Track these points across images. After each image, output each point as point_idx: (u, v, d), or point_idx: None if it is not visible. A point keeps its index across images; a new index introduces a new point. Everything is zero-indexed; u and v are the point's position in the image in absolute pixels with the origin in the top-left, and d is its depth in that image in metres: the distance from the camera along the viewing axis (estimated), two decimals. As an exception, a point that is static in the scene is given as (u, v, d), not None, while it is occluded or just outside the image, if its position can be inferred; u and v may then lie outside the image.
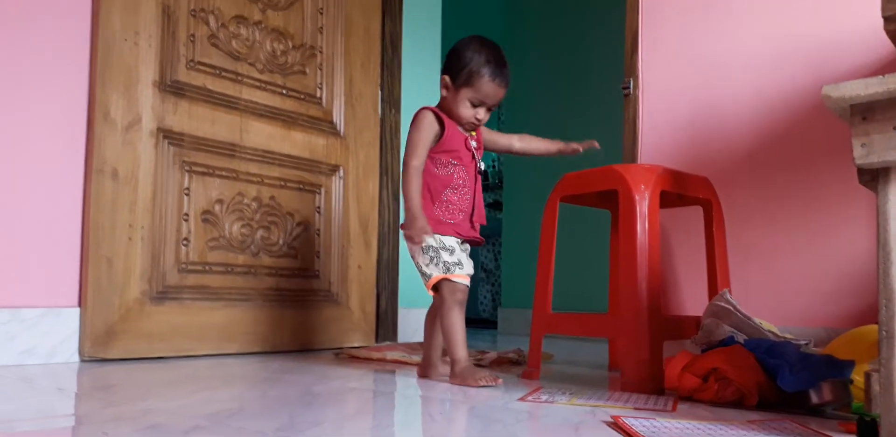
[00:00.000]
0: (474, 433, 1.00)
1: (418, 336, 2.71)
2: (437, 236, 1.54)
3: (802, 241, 1.83)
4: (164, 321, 1.94)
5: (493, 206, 5.40)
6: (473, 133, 1.63)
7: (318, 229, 2.40)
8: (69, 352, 1.77)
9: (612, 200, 1.77)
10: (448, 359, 1.56)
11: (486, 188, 5.49)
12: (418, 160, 1.53)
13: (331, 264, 2.43)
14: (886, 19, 1.02)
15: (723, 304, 1.46)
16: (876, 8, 1.73)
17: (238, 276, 2.15)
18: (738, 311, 1.44)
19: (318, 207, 2.41)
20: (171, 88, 1.99)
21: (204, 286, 2.05)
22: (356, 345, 2.43)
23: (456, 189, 1.57)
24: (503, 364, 1.95)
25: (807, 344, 1.36)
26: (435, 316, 1.62)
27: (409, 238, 1.52)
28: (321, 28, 2.44)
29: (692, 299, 2.00)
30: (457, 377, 1.51)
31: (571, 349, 2.58)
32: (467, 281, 1.55)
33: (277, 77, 2.29)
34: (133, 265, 1.88)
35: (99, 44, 1.84)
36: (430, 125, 1.56)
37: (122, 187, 1.87)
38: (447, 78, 1.57)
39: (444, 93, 1.58)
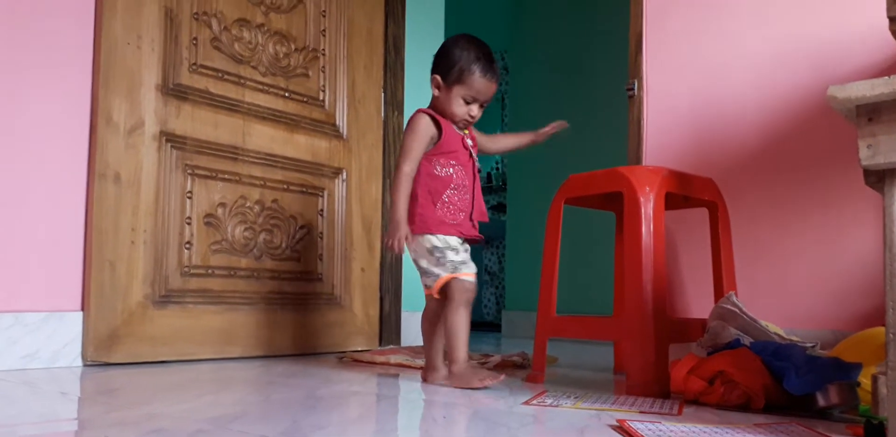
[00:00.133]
0: (478, 438, 0.99)
1: (421, 340, 2.70)
2: (441, 237, 1.54)
3: (808, 242, 1.82)
4: (166, 325, 1.94)
5: (497, 208, 5.40)
6: (466, 131, 1.63)
7: (321, 232, 2.40)
8: (72, 356, 1.76)
9: (617, 203, 1.76)
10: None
11: (489, 191, 5.49)
12: (411, 166, 1.54)
13: (334, 267, 2.42)
14: (892, 20, 1.02)
15: (729, 306, 1.45)
16: (881, 8, 1.72)
17: (241, 279, 2.14)
18: (745, 313, 1.43)
19: (321, 210, 2.40)
20: (173, 91, 1.99)
21: (207, 290, 2.05)
22: (359, 349, 2.43)
23: (456, 189, 1.57)
24: (507, 368, 1.94)
25: (813, 347, 1.35)
26: (432, 319, 1.62)
27: (390, 247, 1.52)
28: (324, 31, 2.44)
29: (698, 302, 1.99)
30: (458, 379, 1.49)
31: (576, 352, 2.57)
32: (475, 279, 1.55)
33: (280, 80, 2.29)
34: (136, 269, 1.88)
35: (102, 47, 1.84)
36: (426, 129, 1.56)
37: (124, 191, 1.87)
38: (438, 77, 1.58)
39: (436, 92, 1.59)
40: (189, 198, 2.03)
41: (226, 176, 2.12)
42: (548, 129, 1.74)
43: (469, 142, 1.61)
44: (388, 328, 2.62)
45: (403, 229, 1.51)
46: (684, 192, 1.64)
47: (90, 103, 1.84)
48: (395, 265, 2.65)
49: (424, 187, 1.55)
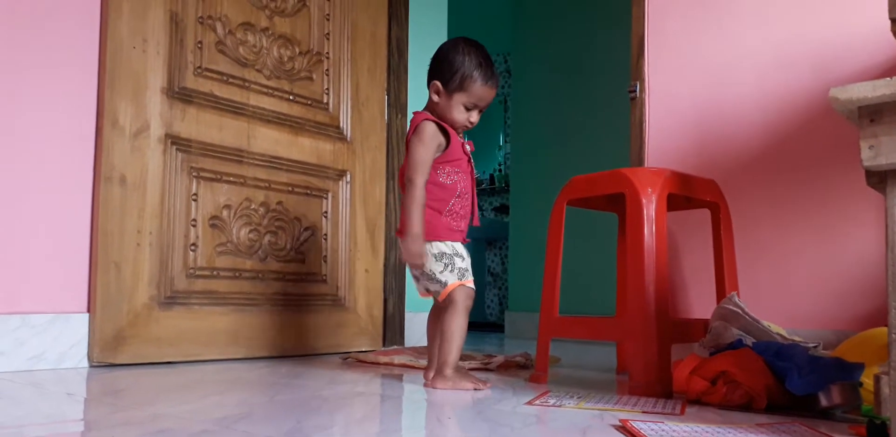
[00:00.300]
0: (482, 437, 1.00)
1: (425, 340, 2.71)
2: (449, 243, 1.55)
3: (810, 243, 1.83)
4: (172, 326, 1.95)
5: (500, 209, 5.40)
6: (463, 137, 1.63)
7: (326, 234, 2.41)
8: (78, 357, 1.77)
9: (620, 204, 1.77)
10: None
11: (492, 192, 5.49)
12: (424, 178, 1.50)
13: (338, 268, 2.43)
14: (894, 21, 1.02)
15: (731, 307, 1.46)
16: (882, 9, 1.73)
17: (246, 281, 2.15)
18: (747, 314, 1.44)
19: (326, 212, 2.41)
20: (178, 94, 2.01)
21: (212, 291, 2.06)
22: (363, 349, 2.43)
23: (461, 197, 1.57)
24: (511, 368, 1.95)
25: (815, 347, 1.35)
26: (437, 318, 1.62)
27: (414, 265, 1.51)
28: (328, 34, 2.45)
29: (700, 302, 2.00)
30: (447, 381, 1.50)
31: (579, 353, 2.57)
32: (474, 286, 1.57)
33: (284, 83, 2.30)
34: (141, 271, 1.89)
35: (107, 51, 1.85)
36: (435, 137, 1.53)
37: (130, 193, 1.88)
38: (438, 84, 1.55)
39: (436, 98, 1.56)
40: (194, 200, 2.04)
41: (231, 178, 2.13)
42: None
43: (468, 148, 1.60)
44: (392, 329, 2.63)
45: (420, 243, 1.48)
46: (686, 193, 1.65)
47: (96, 106, 1.85)
48: (398, 266, 2.66)
49: (431, 196, 1.53)
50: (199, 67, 2.06)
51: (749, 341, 1.40)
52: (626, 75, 3.04)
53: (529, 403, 1.30)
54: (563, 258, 1.74)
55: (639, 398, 1.38)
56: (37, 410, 1.18)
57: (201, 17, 2.08)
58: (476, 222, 1.64)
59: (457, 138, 1.57)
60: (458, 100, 1.54)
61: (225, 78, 2.13)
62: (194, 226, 2.03)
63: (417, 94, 2.78)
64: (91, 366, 1.79)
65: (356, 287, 2.48)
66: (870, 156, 0.95)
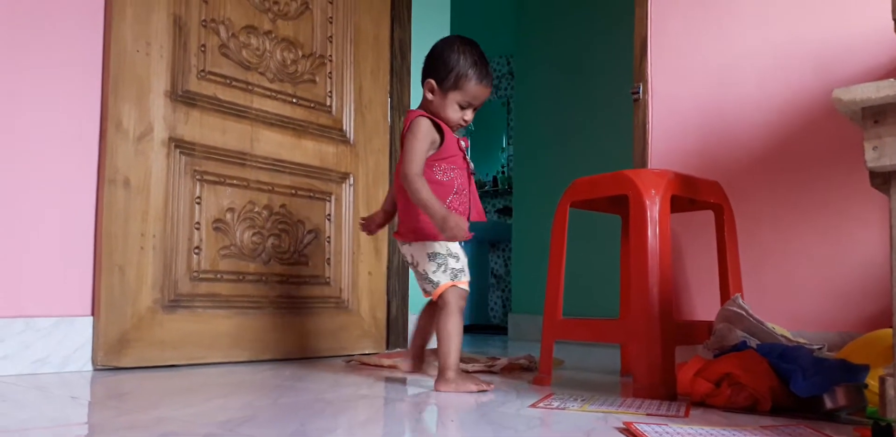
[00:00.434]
0: (486, 440, 1.00)
1: (429, 343, 2.71)
2: (443, 243, 1.54)
3: (814, 244, 1.82)
4: (175, 330, 1.95)
5: (503, 211, 5.40)
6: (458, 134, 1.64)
7: (329, 237, 2.41)
8: (82, 361, 1.78)
9: (623, 206, 1.76)
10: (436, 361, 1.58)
11: (495, 194, 5.49)
12: (418, 167, 1.49)
13: (341, 271, 2.43)
14: (896, 21, 1.02)
15: (735, 308, 1.45)
16: (885, 10, 1.73)
17: (249, 284, 2.16)
18: (751, 315, 1.43)
19: (329, 215, 2.42)
20: (182, 97, 2.01)
21: (215, 294, 2.06)
22: (367, 352, 2.43)
23: (458, 194, 1.56)
24: (514, 371, 1.95)
25: (820, 349, 1.35)
26: (431, 313, 1.63)
27: (456, 237, 1.44)
28: (330, 37, 2.45)
29: (704, 304, 1.99)
30: (450, 383, 1.50)
31: (582, 355, 2.57)
32: (468, 287, 1.57)
33: (287, 86, 2.30)
34: (145, 274, 1.89)
35: (111, 55, 1.86)
36: (428, 133, 1.53)
37: (134, 197, 1.88)
38: (433, 82, 1.55)
39: (430, 97, 1.57)
40: (198, 203, 2.04)
41: (234, 181, 2.14)
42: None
43: (463, 144, 1.61)
44: (396, 332, 2.63)
45: (453, 215, 1.42)
46: (690, 194, 1.64)
47: (100, 110, 1.86)
48: (401, 269, 2.66)
49: None
50: (203, 71, 2.07)
51: (753, 342, 1.40)
52: (628, 77, 3.03)
53: (533, 405, 1.30)
54: (567, 260, 1.74)
55: (643, 401, 1.37)
56: (41, 413, 1.18)
57: (204, 21, 2.08)
58: (482, 217, 1.64)
59: (451, 135, 1.57)
60: (453, 98, 1.54)
61: (228, 81, 2.14)
62: (198, 229, 2.04)
63: (420, 96, 2.78)
64: (95, 369, 1.79)
65: (359, 290, 2.48)
66: (874, 157, 0.95)
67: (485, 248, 5.25)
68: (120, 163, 1.86)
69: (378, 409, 1.31)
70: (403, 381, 1.71)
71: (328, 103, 2.44)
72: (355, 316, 2.45)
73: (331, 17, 2.45)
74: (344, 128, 2.48)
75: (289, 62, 2.31)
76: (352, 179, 2.49)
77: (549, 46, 3.85)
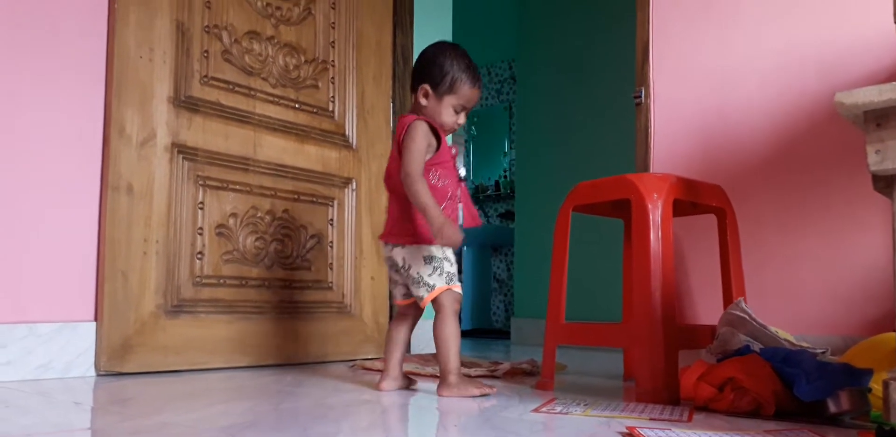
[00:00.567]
0: (489, 445, 1.00)
1: (431, 348, 2.71)
2: (439, 247, 1.54)
3: (817, 248, 1.82)
4: (178, 335, 1.95)
5: (505, 216, 5.40)
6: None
7: (332, 242, 2.41)
8: (85, 366, 1.78)
9: (625, 210, 1.76)
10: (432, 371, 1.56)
11: (498, 198, 5.49)
12: (420, 167, 1.50)
13: (344, 275, 2.44)
14: (897, 25, 1.02)
15: (738, 313, 1.45)
16: (887, 13, 1.73)
17: (252, 289, 2.16)
18: (754, 319, 1.43)
19: (331, 220, 2.42)
20: (185, 103, 2.02)
21: (218, 299, 2.07)
22: (370, 357, 2.43)
23: (451, 200, 1.58)
24: (517, 375, 1.94)
25: (823, 353, 1.35)
26: (402, 324, 1.63)
27: (449, 245, 1.45)
28: (333, 42, 2.46)
29: (707, 308, 1.99)
30: (452, 388, 1.49)
31: (585, 360, 2.56)
32: (461, 291, 1.58)
33: (290, 91, 2.31)
34: (148, 279, 1.90)
35: (115, 61, 1.86)
36: (426, 136, 1.54)
37: (137, 202, 1.89)
38: (428, 87, 1.57)
39: (424, 101, 1.58)
40: (201, 209, 2.05)
41: (237, 187, 2.14)
42: None
43: (454, 151, 1.62)
44: (399, 337, 2.62)
45: (449, 223, 1.44)
46: (692, 198, 1.64)
47: (103, 116, 1.86)
48: (404, 274, 2.66)
49: None
50: (206, 76, 2.08)
51: (756, 347, 1.40)
52: (630, 81, 3.04)
53: (536, 410, 1.30)
54: (569, 264, 1.74)
55: (646, 405, 1.37)
56: (44, 419, 1.19)
57: (207, 27, 2.09)
58: (477, 222, 1.64)
59: (445, 141, 1.59)
60: (448, 102, 1.57)
61: (231, 86, 2.14)
62: (201, 234, 2.04)
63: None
64: (98, 375, 1.79)
65: (362, 294, 2.48)
66: (876, 160, 0.95)
67: (487, 252, 5.25)
68: (123, 169, 1.86)
69: (380, 414, 1.31)
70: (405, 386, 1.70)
71: (331, 108, 2.44)
72: (358, 321, 2.45)
73: (333, 23, 2.46)
74: (346, 133, 2.49)
75: (291, 67, 2.32)
76: (354, 184, 2.49)
77: (550, 50, 3.86)
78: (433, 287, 1.53)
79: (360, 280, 2.47)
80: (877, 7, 1.77)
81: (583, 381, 1.87)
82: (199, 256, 2.03)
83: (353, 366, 2.13)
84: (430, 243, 1.53)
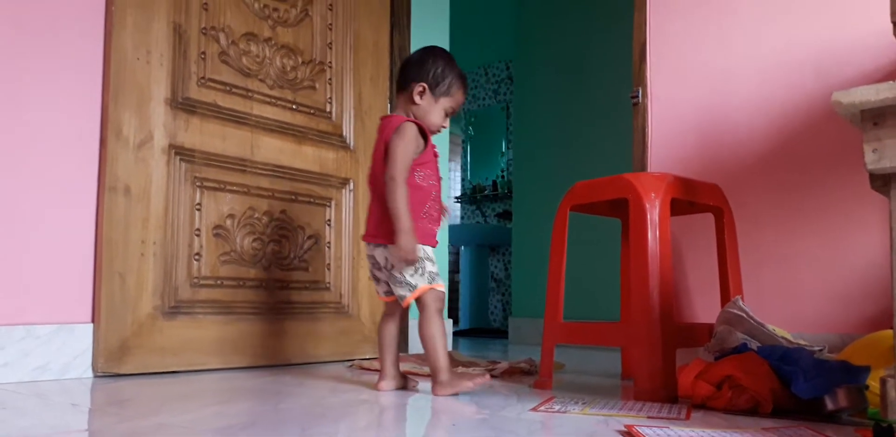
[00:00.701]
0: (487, 444, 1.00)
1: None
2: (421, 247, 1.54)
3: (815, 246, 1.82)
4: (176, 336, 1.95)
5: (503, 215, 5.40)
6: None
7: (329, 242, 2.41)
8: (83, 368, 1.78)
9: (623, 209, 1.77)
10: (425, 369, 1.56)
11: (495, 198, 5.49)
12: (406, 172, 1.51)
13: (341, 276, 2.44)
14: None
15: (735, 311, 1.45)
16: (885, 13, 1.73)
17: (250, 290, 2.16)
18: (751, 318, 1.43)
19: (329, 220, 2.42)
20: (182, 105, 2.02)
21: (216, 301, 2.06)
22: (367, 357, 2.43)
23: (434, 200, 1.60)
24: (515, 374, 1.94)
25: (821, 350, 1.35)
26: (389, 323, 1.63)
27: (409, 262, 1.49)
28: (330, 44, 2.46)
29: (705, 307, 1.99)
30: (448, 386, 1.49)
31: (583, 359, 2.56)
32: (445, 290, 1.59)
33: (287, 92, 2.31)
34: (145, 281, 1.89)
35: (112, 63, 1.86)
36: (415, 139, 1.54)
37: (134, 204, 1.89)
38: (426, 86, 1.58)
39: (419, 100, 1.59)
40: (198, 210, 2.05)
41: (234, 188, 2.14)
42: None
43: (436, 149, 1.63)
44: (397, 337, 2.62)
45: (415, 239, 1.48)
46: (690, 197, 1.65)
47: (100, 118, 1.86)
48: (402, 274, 2.66)
49: (409, 199, 1.52)
50: (203, 78, 2.08)
51: (754, 345, 1.40)
52: (628, 80, 3.04)
53: (534, 409, 1.30)
54: (567, 264, 1.74)
55: (644, 404, 1.37)
56: (42, 421, 1.18)
57: (204, 28, 2.09)
58: (448, 213, 1.67)
59: (431, 141, 1.60)
60: (442, 104, 1.60)
61: (228, 88, 2.14)
62: (198, 235, 2.04)
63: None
64: (95, 376, 1.79)
65: (359, 295, 2.48)
66: (873, 159, 0.95)
67: (485, 252, 5.25)
68: (120, 170, 1.86)
69: (379, 414, 1.31)
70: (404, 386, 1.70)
71: (328, 109, 2.45)
72: (356, 321, 2.45)
73: (330, 24, 2.46)
74: (344, 134, 2.49)
75: (288, 69, 2.32)
76: (352, 184, 2.49)
77: (548, 51, 3.86)
78: (415, 287, 1.53)
79: (357, 280, 2.47)
80: (875, 7, 1.78)
81: (581, 380, 1.87)
82: (196, 257, 2.03)
83: (351, 366, 2.13)
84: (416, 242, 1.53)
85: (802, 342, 1.42)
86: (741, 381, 1.26)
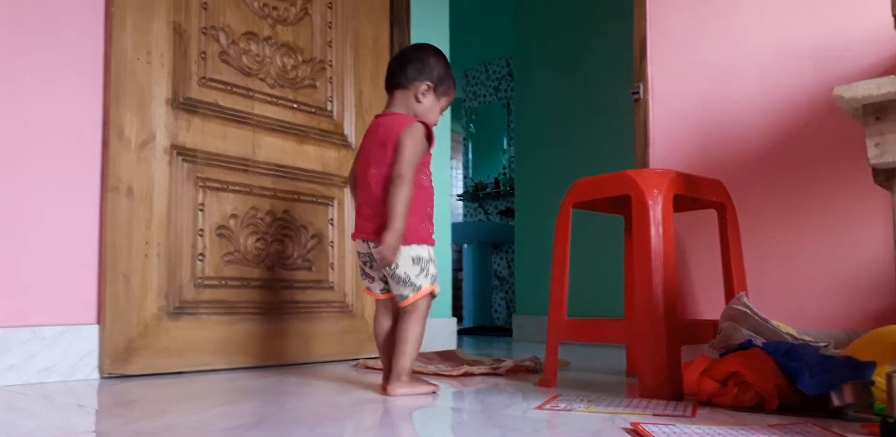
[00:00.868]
0: (493, 443, 1.00)
1: (433, 345, 2.71)
2: (425, 247, 1.54)
3: (818, 242, 1.82)
4: (181, 337, 1.95)
5: (505, 213, 5.40)
6: None
7: (332, 241, 2.41)
8: (89, 369, 1.78)
9: (625, 206, 1.76)
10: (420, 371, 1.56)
11: (498, 196, 5.49)
12: (414, 171, 1.50)
13: (345, 275, 2.44)
14: None
15: (740, 307, 1.45)
16: (885, 7, 1.73)
17: (253, 290, 2.16)
18: (756, 314, 1.43)
19: (332, 219, 2.42)
20: (183, 105, 2.02)
21: (220, 301, 2.07)
22: (372, 356, 2.43)
23: (433, 200, 1.61)
24: (520, 373, 1.94)
25: (826, 346, 1.35)
26: (385, 322, 1.61)
27: (386, 260, 1.47)
28: (330, 42, 2.46)
29: (709, 303, 1.99)
30: (405, 386, 1.49)
31: (588, 356, 2.56)
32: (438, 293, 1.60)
33: (288, 91, 2.31)
34: (150, 282, 1.90)
35: (112, 63, 1.86)
36: (423, 139, 1.54)
37: (137, 205, 1.89)
38: (431, 84, 1.59)
39: (422, 98, 1.59)
40: (201, 210, 2.05)
41: (237, 188, 2.14)
42: None
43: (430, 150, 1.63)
44: (401, 336, 2.63)
45: (400, 242, 1.47)
46: (692, 194, 1.64)
47: (102, 119, 1.86)
48: (405, 273, 2.66)
49: (417, 199, 1.51)
50: (204, 78, 2.08)
51: (759, 341, 1.40)
52: (628, 77, 3.04)
53: (539, 407, 1.30)
54: (571, 261, 1.74)
55: (649, 401, 1.37)
56: (48, 422, 1.19)
57: (204, 28, 2.09)
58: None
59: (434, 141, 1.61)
60: (441, 103, 1.63)
61: (229, 88, 2.14)
62: (201, 236, 2.04)
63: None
64: (101, 377, 1.79)
65: (363, 294, 2.48)
66: (876, 154, 0.95)
67: (488, 249, 5.25)
68: (122, 171, 1.86)
69: (385, 413, 1.31)
70: (409, 384, 1.70)
71: (329, 108, 2.44)
72: (360, 320, 2.45)
73: (330, 22, 2.46)
74: (345, 132, 2.49)
75: (289, 68, 2.32)
76: (354, 183, 2.49)
77: (548, 48, 3.86)
78: (419, 288, 1.52)
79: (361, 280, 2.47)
80: (875, 1, 1.77)
81: (586, 377, 1.87)
82: (200, 257, 2.03)
83: (355, 365, 2.14)
84: (417, 243, 1.52)
85: (807, 338, 1.41)
86: (746, 377, 1.26)
